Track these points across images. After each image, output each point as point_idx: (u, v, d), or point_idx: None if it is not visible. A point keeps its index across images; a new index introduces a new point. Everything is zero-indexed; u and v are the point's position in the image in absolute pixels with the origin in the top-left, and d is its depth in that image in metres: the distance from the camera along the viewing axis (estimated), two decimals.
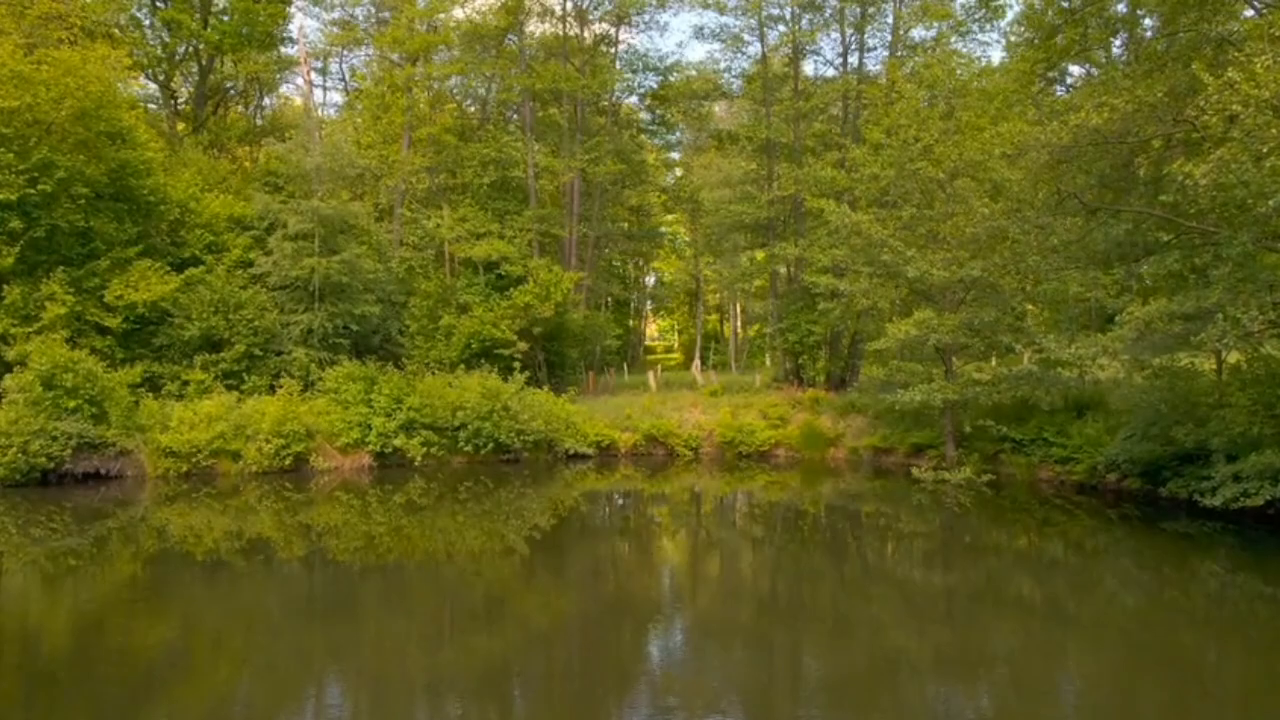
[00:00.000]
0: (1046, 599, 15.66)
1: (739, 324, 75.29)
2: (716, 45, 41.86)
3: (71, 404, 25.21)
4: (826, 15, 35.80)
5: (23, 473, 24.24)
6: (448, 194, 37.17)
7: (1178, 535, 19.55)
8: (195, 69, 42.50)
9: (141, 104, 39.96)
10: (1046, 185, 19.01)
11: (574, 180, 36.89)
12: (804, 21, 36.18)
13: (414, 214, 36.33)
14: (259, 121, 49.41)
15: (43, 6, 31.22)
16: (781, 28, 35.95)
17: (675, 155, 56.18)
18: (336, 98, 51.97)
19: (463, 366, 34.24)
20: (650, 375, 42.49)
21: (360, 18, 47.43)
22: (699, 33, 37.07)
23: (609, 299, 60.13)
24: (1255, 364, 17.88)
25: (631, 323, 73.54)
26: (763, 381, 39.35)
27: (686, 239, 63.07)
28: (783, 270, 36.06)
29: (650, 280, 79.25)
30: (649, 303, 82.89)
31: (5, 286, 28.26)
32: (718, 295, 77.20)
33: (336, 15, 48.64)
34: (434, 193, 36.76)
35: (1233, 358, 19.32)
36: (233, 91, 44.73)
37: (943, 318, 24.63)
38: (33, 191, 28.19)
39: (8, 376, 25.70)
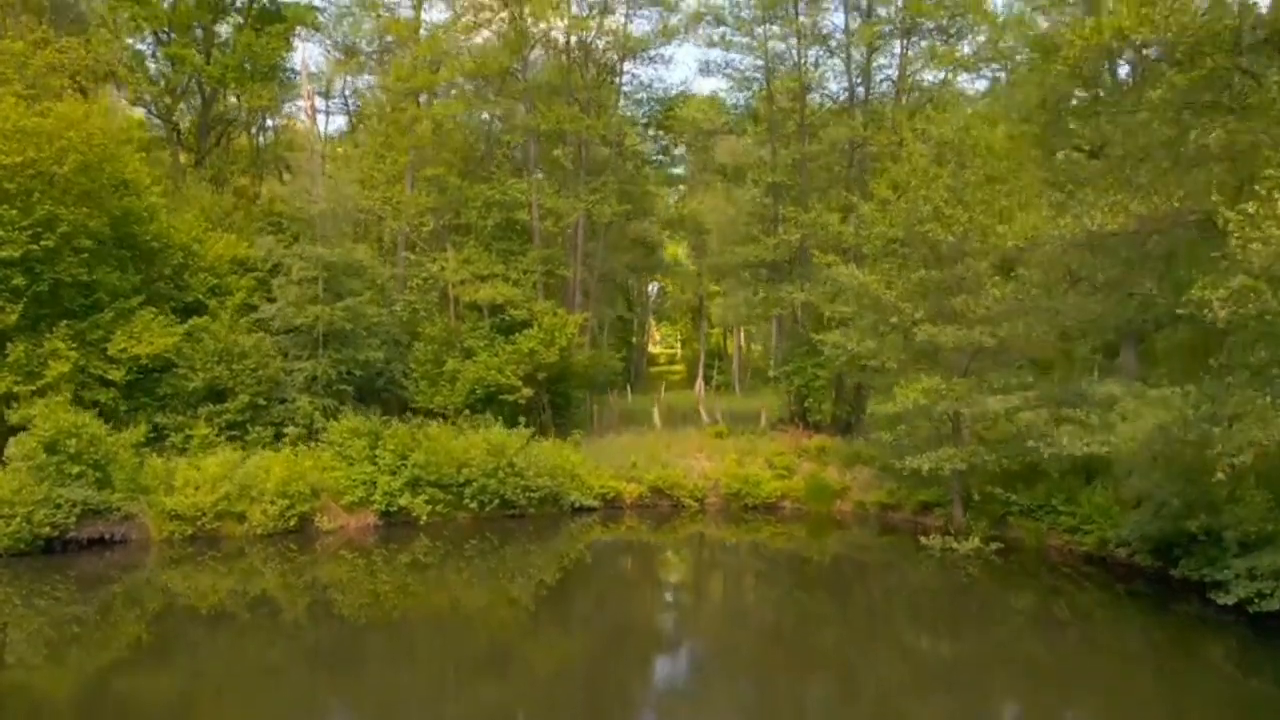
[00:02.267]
0: (1042, 687, 15.64)
1: (742, 338, 75.14)
2: (722, 80, 41.28)
3: (75, 469, 25.11)
4: (832, 47, 35.62)
5: (26, 542, 24.13)
6: (451, 235, 36.92)
7: (1189, 620, 19.44)
8: (198, 100, 42.23)
9: (145, 132, 39.74)
10: (1059, 268, 18.86)
11: (578, 220, 36.68)
12: (810, 54, 35.97)
13: (418, 257, 36.09)
14: (262, 141, 49.19)
15: (46, 57, 31.00)
16: (787, 66, 35.74)
17: (678, 170, 55.95)
18: (340, 120, 51.59)
19: (468, 411, 34.20)
20: (654, 409, 42.32)
21: (363, 45, 47.29)
22: (704, 68, 36.84)
23: (611, 318, 60.00)
24: (1273, 460, 17.71)
25: (634, 339, 73.37)
26: (768, 418, 39.20)
27: (690, 262, 62.91)
28: (788, 311, 35.84)
29: (653, 289, 78.95)
30: (651, 315, 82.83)
31: (9, 344, 28.06)
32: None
33: (339, 40, 48.68)
34: (438, 233, 36.54)
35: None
36: (236, 122, 44.42)
37: (951, 384, 24.48)
38: (36, 247, 28.03)
39: (12, 441, 25.59)
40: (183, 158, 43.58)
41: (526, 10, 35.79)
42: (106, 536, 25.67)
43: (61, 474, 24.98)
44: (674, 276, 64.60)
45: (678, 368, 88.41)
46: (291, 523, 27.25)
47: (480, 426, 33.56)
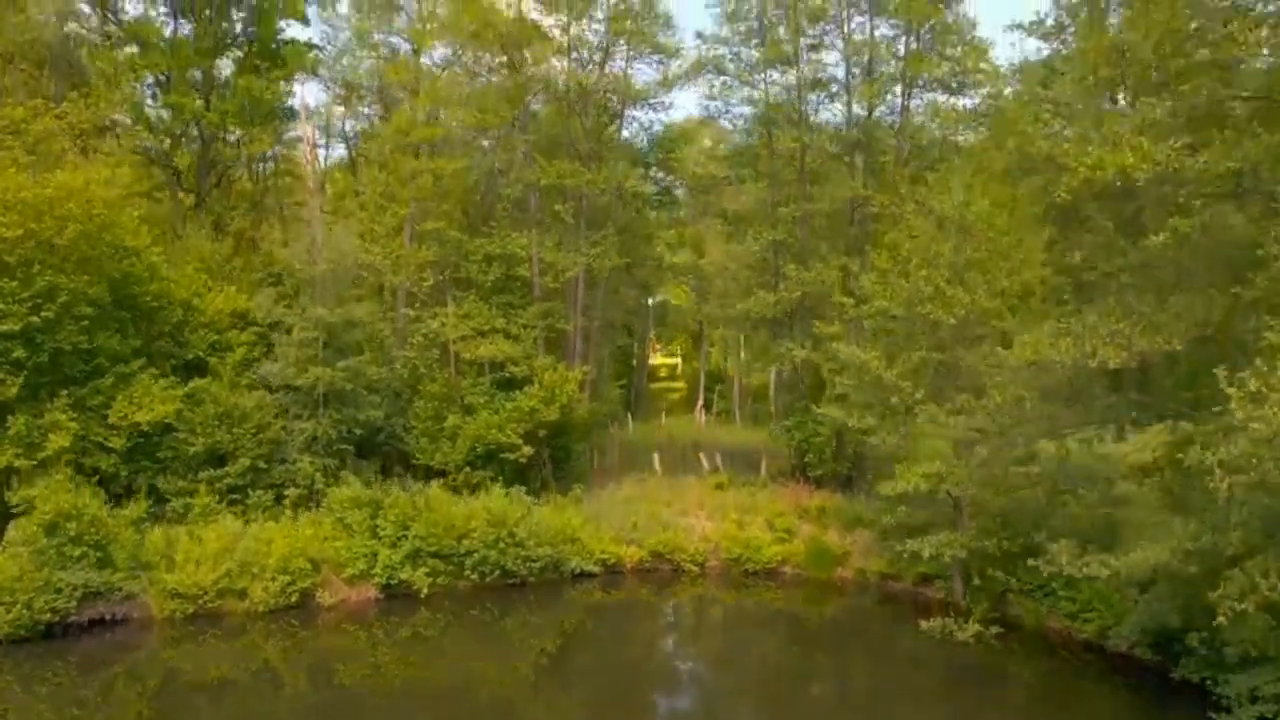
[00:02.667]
0: None
1: (742, 354, 75.05)
2: (724, 123, 41.13)
3: (76, 552, 25.13)
4: (833, 91, 35.47)
5: (27, 628, 24.14)
6: (451, 289, 36.86)
7: None
8: (198, 142, 42.01)
9: (143, 183, 39.60)
10: (1061, 386, 18.84)
11: (579, 273, 36.63)
12: (811, 100, 35.83)
13: (418, 312, 36.03)
14: (263, 171, 49.00)
15: (45, 123, 30.90)
16: (787, 114, 35.57)
17: (680, 211, 55.83)
18: (340, 148, 51.18)
19: (468, 468, 34.26)
20: (655, 455, 42.39)
21: (364, 80, 47.07)
22: (705, 111, 36.91)
23: (611, 347, 59.90)
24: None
25: (634, 361, 73.26)
26: (768, 468, 39.25)
27: (690, 298, 62.82)
28: (789, 366, 35.76)
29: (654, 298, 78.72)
30: (652, 331, 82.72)
31: (9, 417, 28.02)
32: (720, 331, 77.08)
33: (339, 74, 48.46)
34: (438, 287, 36.48)
35: None
36: (236, 164, 44.20)
37: (952, 467, 24.47)
38: (37, 319, 27.98)
39: (12, 524, 25.61)
40: (182, 196, 43.43)
41: (527, 55, 35.75)
42: (107, 617, 25.69)
43: (62, 556, 24.98)
44: (673, 316, 64.53)
45: (678, 384, 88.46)
46: (293, 598, 27.27)
47: (481, 487, 33.78)
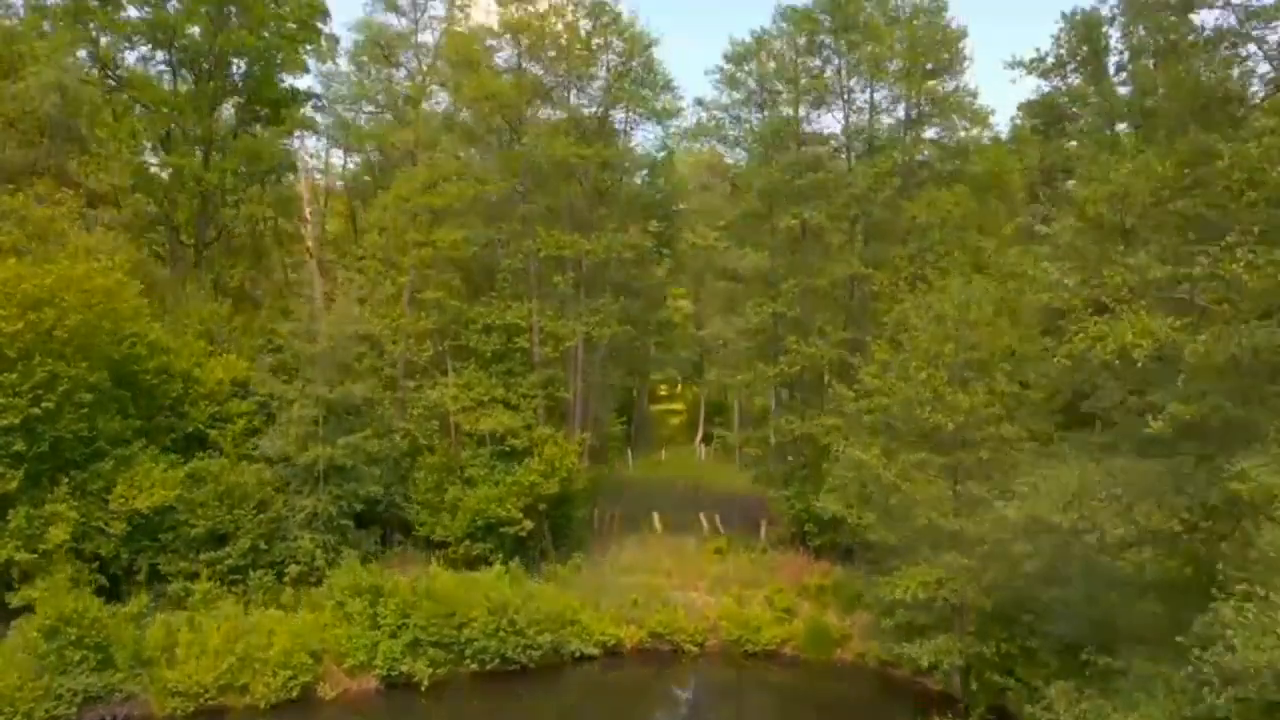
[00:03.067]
0: None
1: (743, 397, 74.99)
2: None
3: (77, 656, 25.14)
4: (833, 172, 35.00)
5: None
6: (452, 359, 36.84)
7: None
8: (197, 197, 41.99)
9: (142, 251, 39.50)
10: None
11: (578, 341, 36.62)
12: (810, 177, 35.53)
13: (419, 382, 36.02)
14: (263, 225, 48.99)
15: (44, 212, 30.90)
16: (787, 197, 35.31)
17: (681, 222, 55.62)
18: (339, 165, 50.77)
19: (468, 540, 34.35)
20: (655, 515, 42.48)
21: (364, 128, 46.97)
22: (706, 185, 36.71)
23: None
24: None
25: (635, 391, 73.16)
26: (769, 535, 39.33)
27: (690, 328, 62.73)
28: (789, 438, 35.70)
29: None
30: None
31: (9, 510, 28.05)
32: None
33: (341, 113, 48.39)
34: (438, 357, 36.47)
35: None
36: (235, 220, 44.15)
37: (951, 574, 24.48)
38: (37, 410, 27.99)
39: (12, 626, 25.65)
40: (181, 252, 43.44)
41: (525, 138, 35.80)
42: (107, 718, 25.70)
43: (63, 661, 25.00)
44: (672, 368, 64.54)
45: (678, 407, 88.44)
46: (294, 693, 27.28)
47: (481, 560, 33.90)
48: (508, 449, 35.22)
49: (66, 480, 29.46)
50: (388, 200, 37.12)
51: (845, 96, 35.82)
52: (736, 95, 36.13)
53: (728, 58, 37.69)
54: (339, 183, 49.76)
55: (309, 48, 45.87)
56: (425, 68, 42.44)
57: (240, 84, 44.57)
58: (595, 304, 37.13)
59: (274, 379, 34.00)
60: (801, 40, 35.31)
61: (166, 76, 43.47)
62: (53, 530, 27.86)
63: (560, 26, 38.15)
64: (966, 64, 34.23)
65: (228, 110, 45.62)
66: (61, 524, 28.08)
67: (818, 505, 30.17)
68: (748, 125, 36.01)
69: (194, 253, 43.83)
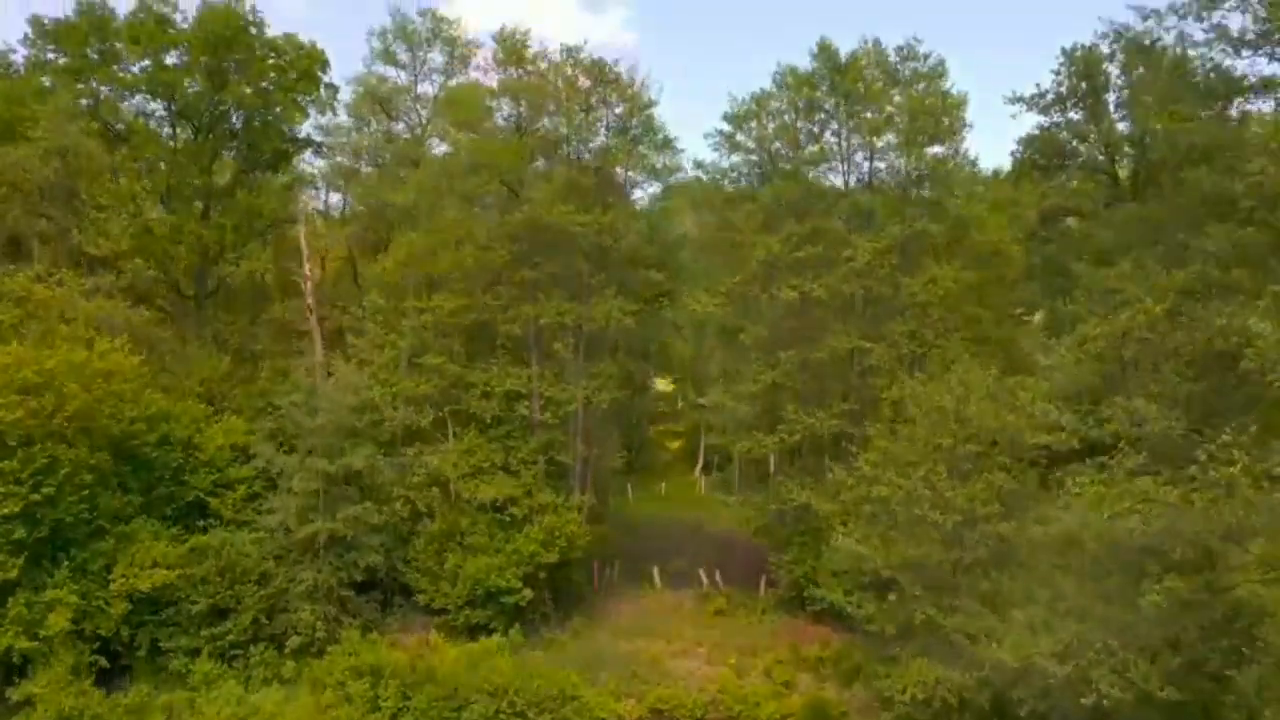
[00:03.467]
0: None
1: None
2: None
3: None
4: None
5: None
6: (453, 424, 36.93)
7: None
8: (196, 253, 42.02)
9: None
10: None
11: (578, 407, 36.67)
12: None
13: (419, 448, 36.09)
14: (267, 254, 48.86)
15: (44, 291, 30.96)
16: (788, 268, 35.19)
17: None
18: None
19: (468, 608, 34.47)
20: (655, 570, 42.60)
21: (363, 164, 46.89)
22: (701, 252, 37.07)
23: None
24: None
25: (635, 419, 73.10)
26: (768, 594, 39.41)
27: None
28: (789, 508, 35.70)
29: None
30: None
31: (9, 597, 28.14)
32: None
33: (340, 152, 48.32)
34: (439, 422, 36.55)
35: None
36: (235, 274, 44.03)
37: (950, 675, 24.53)
38: (37, 496, 28.10)
39: None
40: (180, 293, 43.40)
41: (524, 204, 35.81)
42: None
43: None
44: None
45: (679, 428, 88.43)
46: None
47: (481, 631, 34.05)
48: (507, 518, 35.28)
49: (67, 561, 29.64)
50: (387, 264, 37.16)
51: (845, 161, 35.81)
52: (735, 159, 36.20)
53: (727, 119, 37.68)
54: (339, 214, 49.72)
55: (309, 98, 45.88)
56: (425, 123, 42.38)
57: (240, 132, 44.51)
58: (595, 368, 37.13)
59: (274, 449, 34.11)
60: (801, 103, 35.29)
61: (165, 128, 43.50)
62: (53, 617, 27.99)
63: (560, 83, 38.22)
64: (966, 131, 34.17)
65: (228, 152, 45.62)
66: (62, 609, 28.22)
67: (816, 591, 30.21)
68: (749, 191, 35.98)
69: (193, 304, 43.94)
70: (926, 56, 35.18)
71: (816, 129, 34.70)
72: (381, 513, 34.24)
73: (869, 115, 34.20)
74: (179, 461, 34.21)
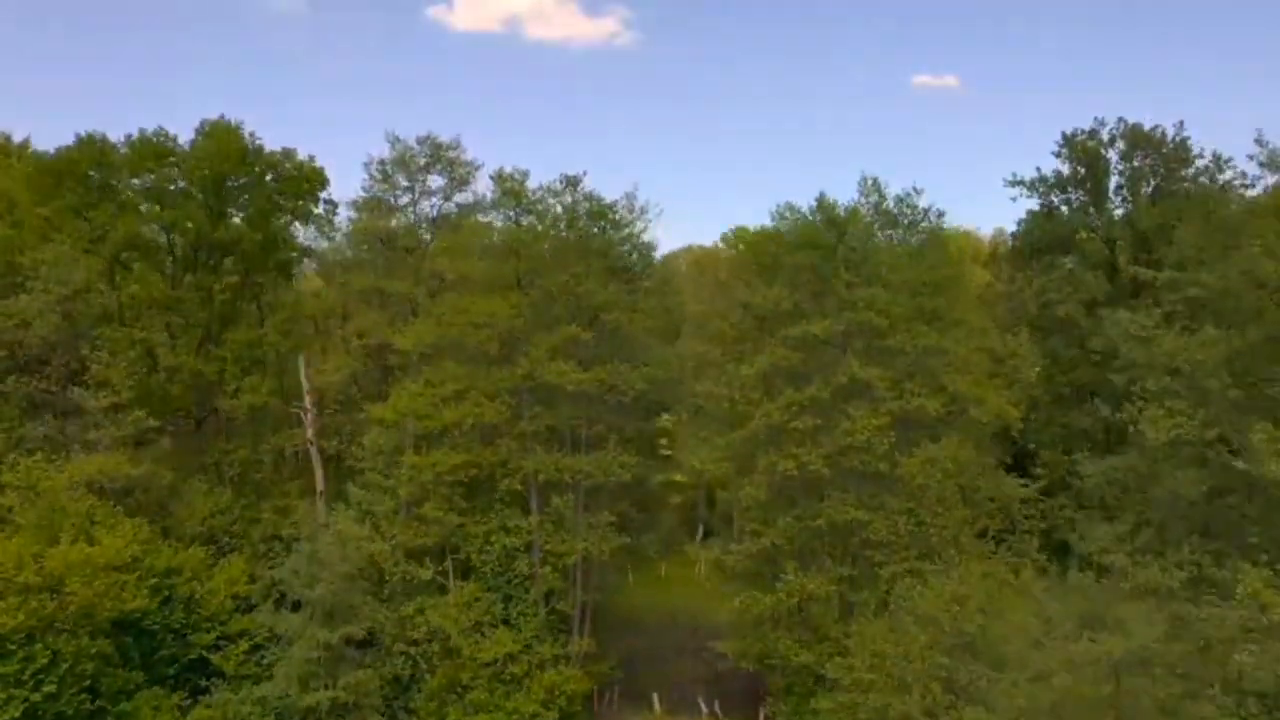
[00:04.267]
0: None
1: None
2: None
3: None
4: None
5: None
6: (453, 575, 37.14)
7: None
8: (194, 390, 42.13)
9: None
10: None
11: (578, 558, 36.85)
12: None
13: (419, 602, 36.26)
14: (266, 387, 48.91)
15: (58, 482, 31.17)
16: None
17: None
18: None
19: None
20: (655, 696, 42.76)
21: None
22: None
23: None
24: None
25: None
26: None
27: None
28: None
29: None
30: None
31: None
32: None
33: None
34: (438, 578, 36.74)
35: None
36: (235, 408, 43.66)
37: None
38: (38, 695, 28.32)
39: None
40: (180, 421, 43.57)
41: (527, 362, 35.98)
42: None
43: None
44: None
45: (679, 478, 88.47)
46: None
47: None
48: (507, 677, 35.46)
49: None
50: (387, 413, 37.23)
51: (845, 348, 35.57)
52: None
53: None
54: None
55: (310, 213, 45.99)
56: (426, 247, 42.35)
57: (237, 257, 44.49)
58: (595, 518, 37.27)
59: (275, 612, 34.34)
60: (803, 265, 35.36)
61: (164, 255, 43.54)
62: None
63: (564, 229, 38.35)
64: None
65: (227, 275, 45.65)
66: None
67: None
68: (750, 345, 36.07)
69: (193, 426, 44.10)
70: (926, 211, 35.27)
71: (815, 296, 34.67)
72: (383, 666, 34.54)
73: (868, 303, 34.00)
74: (180, 622, 34.44)
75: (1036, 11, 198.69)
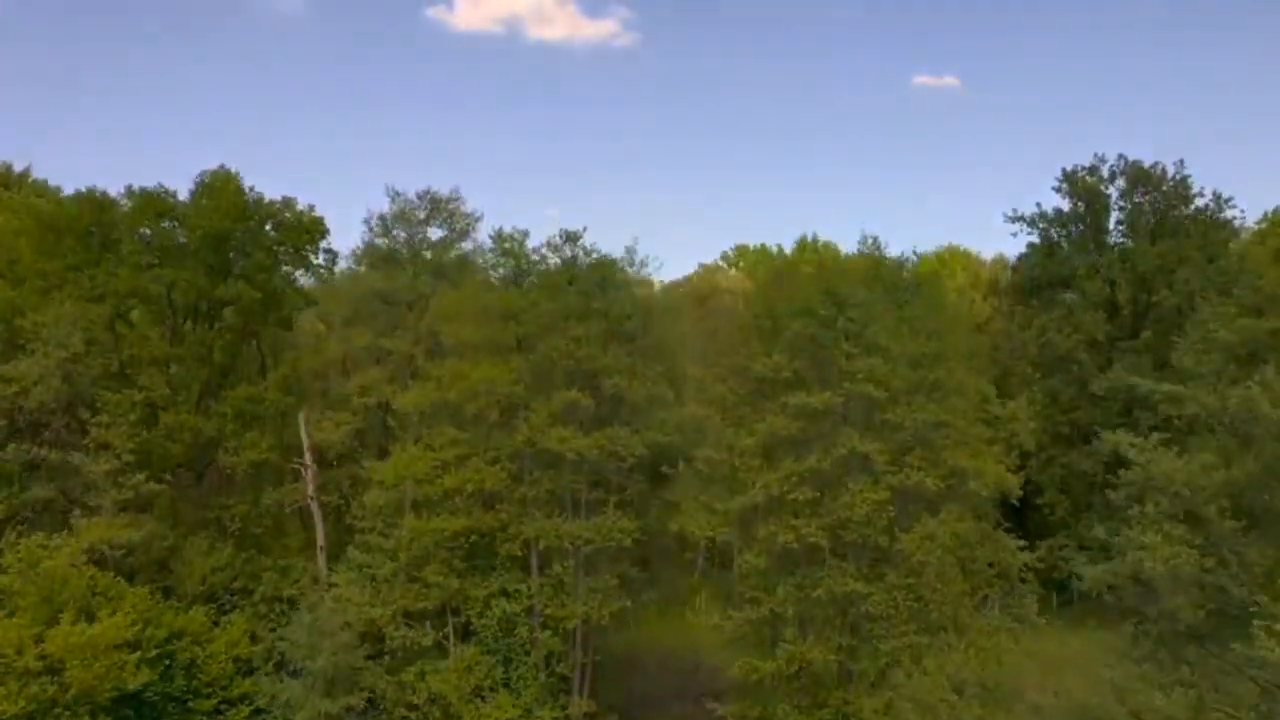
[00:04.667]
0: None
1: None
2: None
3: None
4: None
5: None
6: (454, 639, 37.20)
7: None
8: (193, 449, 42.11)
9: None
10: None
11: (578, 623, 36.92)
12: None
13: (419, 667, 36.31)
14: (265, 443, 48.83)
15: (48, 564, 31.21)
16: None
17: None
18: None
19: None
20: None
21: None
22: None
23: None
24: None
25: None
26: None
27: None
28: None
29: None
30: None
31: None
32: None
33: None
34: (441, 639, 36.82)
35: None
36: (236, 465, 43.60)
37: None
38: None
39: None
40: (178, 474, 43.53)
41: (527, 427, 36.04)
42: None
43: None
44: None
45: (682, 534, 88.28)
46: None
47: None
48: None
49: None
50: (386, 476, 37.27)
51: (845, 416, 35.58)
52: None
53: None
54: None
55: (310, 264, 46.05)
56: (424, 330, 42.18)
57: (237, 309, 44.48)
58: (595, 582, 37.33)
59: (276, 680, 34.46)
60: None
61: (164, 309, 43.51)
62: None
63: (565, 287, 38.39)
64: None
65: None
66: None
67: None
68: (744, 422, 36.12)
69: (192, 479, 44.11)
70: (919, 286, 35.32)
71: (815, 364, 34.75)
72: None
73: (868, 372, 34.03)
74: (182, 688, 34.52)
75: (1037, 12, 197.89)
